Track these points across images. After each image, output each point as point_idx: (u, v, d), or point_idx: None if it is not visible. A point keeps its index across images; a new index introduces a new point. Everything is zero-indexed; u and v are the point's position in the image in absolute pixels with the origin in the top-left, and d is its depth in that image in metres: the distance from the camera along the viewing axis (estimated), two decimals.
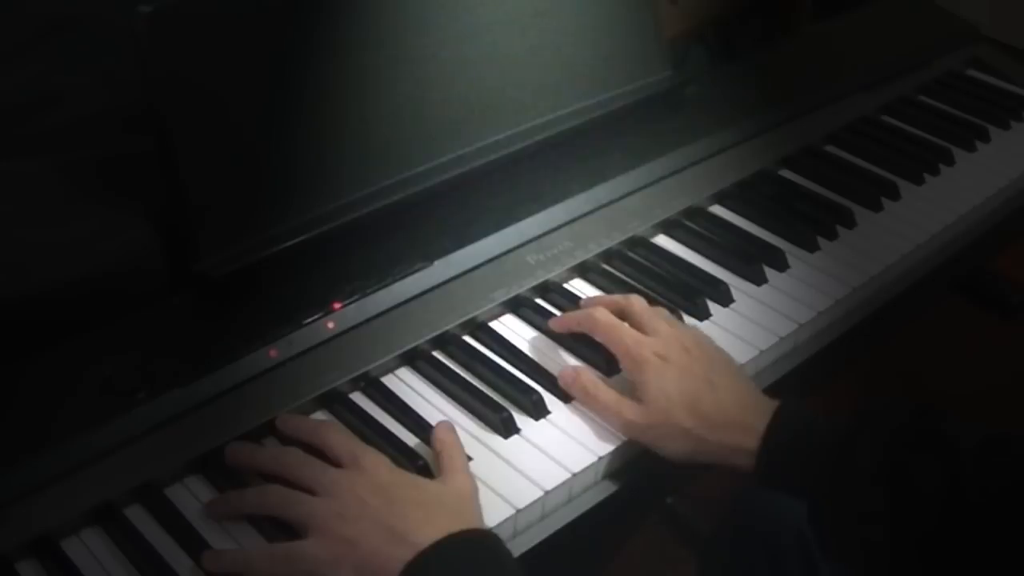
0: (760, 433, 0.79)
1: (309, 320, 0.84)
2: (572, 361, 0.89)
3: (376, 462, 0.74)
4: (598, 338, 0.87)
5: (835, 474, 0.76)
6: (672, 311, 0.91)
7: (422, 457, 0.78)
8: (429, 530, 0.69)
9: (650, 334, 0.85)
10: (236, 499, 0.75)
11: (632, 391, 0.83)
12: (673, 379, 0.81)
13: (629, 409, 0.82)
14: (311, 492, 0.73)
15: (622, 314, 0.88)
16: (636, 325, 0.86)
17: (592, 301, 0.92)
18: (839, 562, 0.79)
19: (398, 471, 0.75)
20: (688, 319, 0.93)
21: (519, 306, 0.93)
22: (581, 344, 0.89)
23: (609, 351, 0.87)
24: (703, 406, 0.81)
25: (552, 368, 0.87)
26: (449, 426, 0.80)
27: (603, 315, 0.87)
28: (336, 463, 0.75)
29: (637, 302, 0.89)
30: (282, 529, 0.72)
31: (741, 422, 0.80)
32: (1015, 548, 0.71)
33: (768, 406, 0.81)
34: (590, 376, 0.85)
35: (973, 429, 0.75)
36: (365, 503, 0.71)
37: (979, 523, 0.72)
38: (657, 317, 0.87)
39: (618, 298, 0.90)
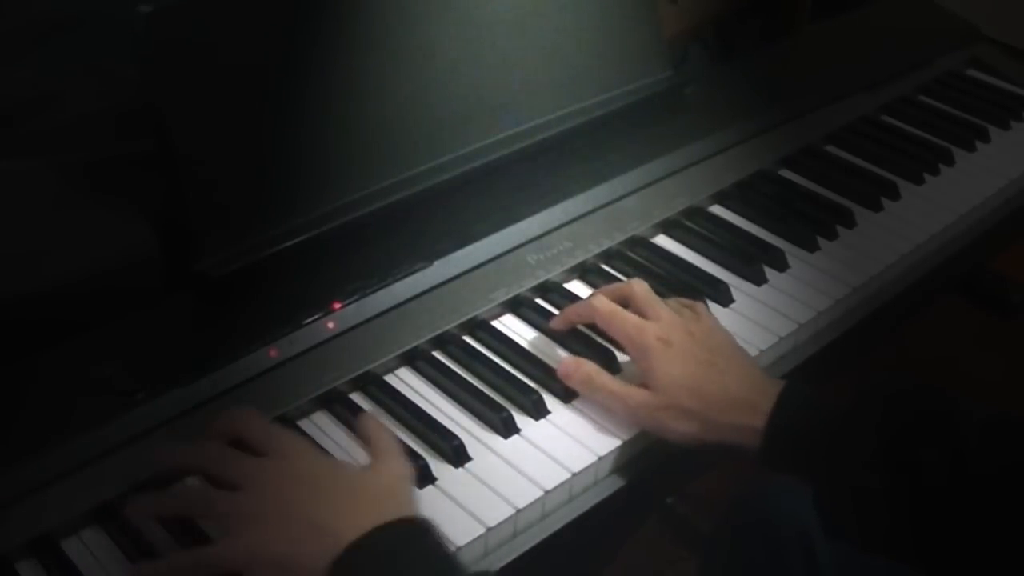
0: (766, 412, 0.79)
1: (309, 320, 0.84)
2: None
3: (299, 450, 0.71)
4: (599, 326, 0.87)
5: (835, 454, 0.76)
6: (696, 298, 0.91)
7: (422, 457, 0.78)
8: (358, 521, 0.66)
9: (652, 319, 0.85)
10: (158, 503, 0.71)
11: (637, 378, 0.83)
12: (677, 363, 0.81)
13: (635, 394, 0.82)
14: (233, 487, 0.69)
15: (624, 301, 0.88)
16: (638, 311, 0.86)
17: (595, 292, 0.91)
18: (846, 540, 0.78)
19: (322, 458, 0.72)
20: None
21: (519, 306, 0.93)
22: (581, 344, 0.89)
23: (608, 351, 0.87)
24: (708, 388, 0.81)
25: (552, 368, 0.87)
26: (369, 415, 0.78)
27: (602, 303, 0.87)
28: (259, 453, 0.71)
29: (638, 286, 0.88)
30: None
31: (746, 402, 0.80)
32: (1017, 526, 0.70)
33: (773, 386, 0.81)
34: (592, 365, 0.84)
35: (975, 408, 0.75)
36: (285, 495, 0.67)
37: (981, 502, 0.71)
38: (658, 302, 0.87)
39: (619, 285, 0.90)
